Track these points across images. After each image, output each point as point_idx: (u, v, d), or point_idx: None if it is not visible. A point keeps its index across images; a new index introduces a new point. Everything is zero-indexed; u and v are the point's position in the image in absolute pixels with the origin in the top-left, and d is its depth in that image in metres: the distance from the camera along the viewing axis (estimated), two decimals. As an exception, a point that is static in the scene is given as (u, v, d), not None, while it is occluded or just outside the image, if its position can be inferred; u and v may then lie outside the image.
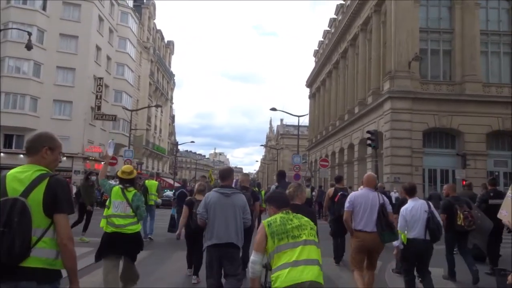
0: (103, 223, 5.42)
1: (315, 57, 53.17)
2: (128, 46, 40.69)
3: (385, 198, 5.70)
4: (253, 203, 6.89)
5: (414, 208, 5.52)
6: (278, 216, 3.32)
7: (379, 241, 5.39)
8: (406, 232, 5.49)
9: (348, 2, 36.60)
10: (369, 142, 17.83)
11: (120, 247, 5.19)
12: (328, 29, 46.94)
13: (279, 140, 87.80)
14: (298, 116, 30.10)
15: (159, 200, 12.74)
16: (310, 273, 3.03)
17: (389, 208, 5.62)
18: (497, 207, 6.00)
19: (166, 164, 65.89)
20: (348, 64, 35.07)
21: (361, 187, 6.37)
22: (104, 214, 5.46)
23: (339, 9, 41.80)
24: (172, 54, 67.05)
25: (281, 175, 7.88)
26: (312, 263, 3.09)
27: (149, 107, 41.51)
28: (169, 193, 27.31)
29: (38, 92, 31.07)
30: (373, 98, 26.57)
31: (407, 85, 23.00)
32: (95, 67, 34.47)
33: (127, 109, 31.96)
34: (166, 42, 63.14)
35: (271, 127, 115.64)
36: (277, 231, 3.19)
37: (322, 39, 49.66)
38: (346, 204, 5.67)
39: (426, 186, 22.99)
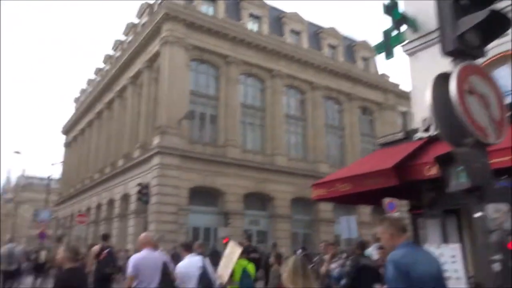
0: None
1: (76, 103, 48.87)
2: None
3: (167, 257, 6.27)
4: None
5: (190, 264, 5.77)
6: None
7: None
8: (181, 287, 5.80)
9: (118, 53, 35.68)
10: (139, 196, 16.37)
11: None
12: (93, 77, 44.23)
13: (18, 193, 74.64)
14: (52, 164, 25.85)
15: None
16: None
17: (172, 266, 6.02)
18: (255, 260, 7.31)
19: None
20: (114, 116, 33.32)
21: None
22: None
23: (107, 59, 40.22)
24: None
25: None
26: None
27: None
28: None
29: None
30: (141, 152, 25.57)
31: (177, 142, 23.11)
32: None
33: None
34: None
35: (8, 178, 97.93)
36: None
37: (86, 86, 46.35)
38: (130, 269, 5.58)
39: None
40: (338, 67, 31.88)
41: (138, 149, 26.14)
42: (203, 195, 24.48)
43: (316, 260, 10.06)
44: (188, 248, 6.11)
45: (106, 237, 9.63)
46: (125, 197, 27.48)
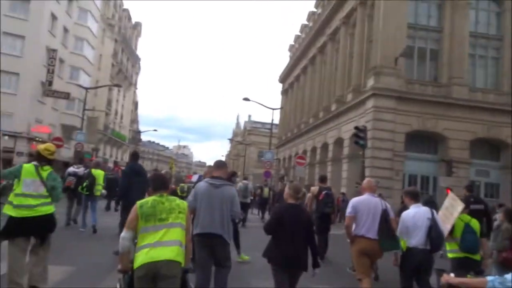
0: (7, 208, 4.79)
1: (290, 51, 51.22)
2: (90, 20, 36.99)
3: (387, 204, 5.58)
4: None
5: (417, 215, 5.19)
6: (151, 199, 3.53)
7: (378, 249, 5.32)
8: (405, 239, 5.23)
9: (330, -5, 34.79)
10: (356, 139, 15.77)
11: (28, 228, 4.75)
12: (306, 23, 45.04)
13: (245, 136, 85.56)
14: (273, 109, 27.86)
15: (103, 191, 11.16)
16: (167, 253, 3.27)
17: (392, 214, 5.53)
18: (478, 212, 6.22)
19: (126, 152, 62.06)
20: (326, 60, 33.27)
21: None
22: (9, 199, 4.85)
23: (319, 2, 39.95)
24: (139, 37, 63.32)
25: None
26: (172, 244, 3.33)
27: (106, 86, 37.54)
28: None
29: (-22, 59, 27.19)
30: (354, 95, 24.80)
31: (392, 83, 21.28)
32: (48, 38, 30.76)
33: (81, 87, 28.54)
34: (133, 23, 59.32)
35: (238, 123, 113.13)
36: (146, 212, 3.40)
37: (299, 33, 47.75)
38: (348, 210, 5.54)
39: (405, 193, 21.39)
40: None
41: (351, 93, 25.44)
42: (422, 141, 22.25)
43: None
44: (414, 196, 5.48)
45: (323, 179, 9.82)
46: (339, 142, 27.56)
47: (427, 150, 22.47)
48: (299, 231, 4.35)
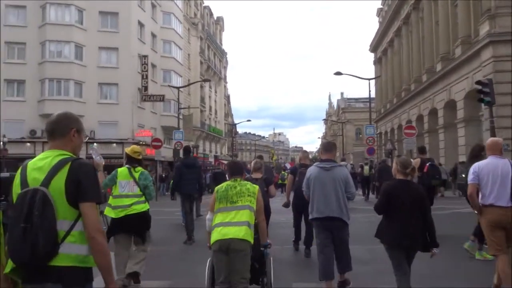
0: (107, 211, 5.39)
1: (378, 16, 47.39)
2: (174, 22, 37.94)
3: None
4: None
5: None
6: (225, 184, 4.07)
7: None
8: None
9: None
10: (481, 97, 13.23)
11: (127, 226, 5.22)
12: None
13: (340, 115, 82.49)
14: (369, 79, 25.52)
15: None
16: (236, 232, 3.76)
17: None
18: None
19: (224, 146, 63.78)
20: (423, 16, 29.71)
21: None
22: (108, 202, 5.43)
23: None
24: (223, 31, 63.98)
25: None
26: (241, 224, 3.80)
27: (196, 82, 38.01)
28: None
29: (81, 76, 29.31)
30: (463, 48, 21.51)
31: (514, 24, 17.80)
32: (139, 45, 32.12)
33: (173, 87, 29.23)
34: (215, 18, 60.08)
35: (330, 103, 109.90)
36: (220, 196, 3.95)
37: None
38: (470, 176, 4.82)
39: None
40: None
41: (459, 46, 22.12)
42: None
43: None
44: None
45: (422, 149, 9.68)
46: (450, 105, 24.35)
47: None
48: (413, 208, 4.07)
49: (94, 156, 6.00)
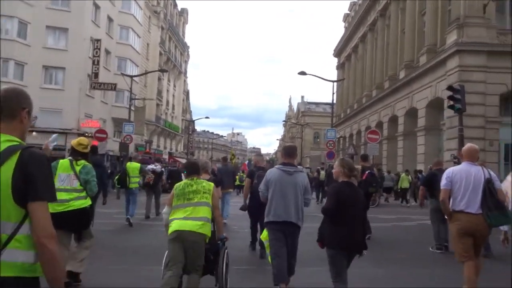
0: None
1: (344, 22, 47.36)
2: (134, 7, 35.62)
3: (491, 173, 4.77)
4: None
5: None
6: (183, 182, 4.40)
7: (484, 225, 4.54)
8: None
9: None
10: (451, 103, 12.65)
11: (66, 224, 4.74)
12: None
13: (299, 118, 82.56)
14: (333, 81, 24.80)
15: (139, 180, 11.55)
16: (193, 225, 4.08)
17: (498, 184, 4.74)
18: None
19: (180, 143, 61.63)
20: (390, 23, 29.57)
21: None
22: None
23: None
24: (186, 24, 61.89)
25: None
26: (198, 219, 4.12)
27: (153, 71, 35.49)
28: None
29: (24, 56, 26.63)
30: (428, 57, 21.29)
31: (481, 36, 17.65)
32: (92, 28, 29.71)
33: (126, 75, 27.18)
34: (179, 9, 57.94)
35: (290, 106, 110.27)
36: (178, 193, 4.29)
37: (355, 0, 43.77)
38: (443, 182, 4.75)
39: (501, 165, 17.92)
40: None
41: (424, 54, 21.88)
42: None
43: None
44: None
45: (365, 157, 10.09)
46: (411, 112, 24.17)
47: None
48: (359, 211, 4.10)
49: (49, 140, 5.74)
